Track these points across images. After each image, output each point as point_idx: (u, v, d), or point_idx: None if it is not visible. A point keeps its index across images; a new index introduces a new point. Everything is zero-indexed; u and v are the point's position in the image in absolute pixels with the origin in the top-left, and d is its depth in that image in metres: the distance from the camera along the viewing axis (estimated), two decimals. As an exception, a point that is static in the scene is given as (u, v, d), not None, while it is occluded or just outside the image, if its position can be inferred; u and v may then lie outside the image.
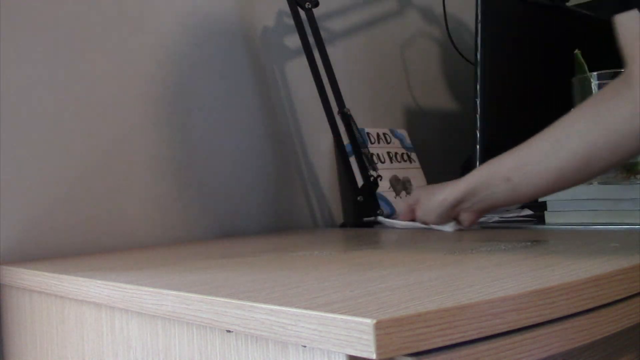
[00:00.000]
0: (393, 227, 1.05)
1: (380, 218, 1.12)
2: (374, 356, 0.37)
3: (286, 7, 1.18)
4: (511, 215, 1.05)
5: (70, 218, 0.95)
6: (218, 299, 0.49)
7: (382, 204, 1.20)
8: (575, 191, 0.92)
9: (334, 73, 1.17)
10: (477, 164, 1.16)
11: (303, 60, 1.18)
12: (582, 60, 1.07)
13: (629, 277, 0.52)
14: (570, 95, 1.13)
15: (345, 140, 1.20)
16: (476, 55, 1.18)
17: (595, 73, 1.04)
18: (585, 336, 0.48)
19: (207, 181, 1.11)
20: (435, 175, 1.43)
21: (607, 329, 0.50)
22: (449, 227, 0.92)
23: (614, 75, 1.01)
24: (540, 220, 1.02)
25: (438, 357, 0.39)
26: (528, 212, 1.07)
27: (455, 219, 0.92)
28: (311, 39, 1.17)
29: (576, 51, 1.07)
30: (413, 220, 1.00)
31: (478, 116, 1.16)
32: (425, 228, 0.96)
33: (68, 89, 0.96)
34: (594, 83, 1.03)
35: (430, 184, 1.00)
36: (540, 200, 0.96)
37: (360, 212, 1.16)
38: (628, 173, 0.99)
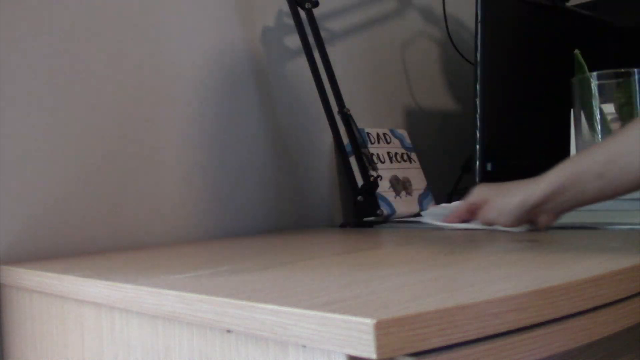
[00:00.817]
0: (440, 229, 0.97)
1: (425, 218, 1.03)
2: (374, 356, 0.37)
3: (286, 7, 1.18)
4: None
5: (71, 218, 0.95)
6: (218, 299, 0.49)
7: (382, 204, 1.20)
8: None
9: (334, 73, 1.18)
10: (477, 164, 1.16)
11: (303, 60, 1.18)
12: (582, 60, 1.07)
13: (629, 277, 0.52)
14: (570, 95, 1.13)
15: (345, 140, 1.20)
16: (476, 55, 1.18)
17: (595, 73, 1.04)
18: (585, 336, 0.48)
19: (207, 181, 1.11)
20: (436, 175, 1.43)
21: (607, 329, 0.50)
22: (521, 228, 0.87)
23: (614, 76, 1.01)
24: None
25: (438, 357, 0.39)
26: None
27: (531, 220, 0.86)
28: (311, 39, 1.17)
29: (576, 51, 1.07)
30: (465, 221, 0.95)
31: (478, 116, 1.16)
32: (487, 229, 0.90)
33: (69, 89, 0.96)
34: (594, 83, 1.03)
35: (492, 183, 0.93)
36: None
37: (360, 212, 1.16)
38: None
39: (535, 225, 0.86)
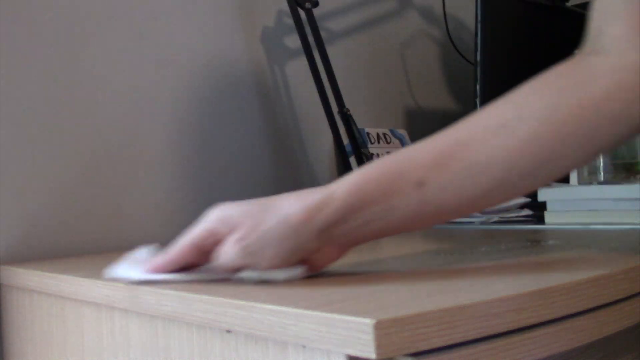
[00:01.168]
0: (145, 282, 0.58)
1: (118, 273, 0.61)
2: (373, 356, 0.37)
3: (286, 7, 1.18)
4: (511, 215, 1.04)
5: (71, 218, 0.95)
6: (218, 299, 0.49)
7: (382, 204, 1.19)
8: (575, 191, 0.92)
9: (334, 73, 1.17)
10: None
11: (303, 60, 1.18)
12: None
13: (629, 277, 0.52)
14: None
15: (345, 140, 1.20)
16: (476, 55, 1.18)
17: None
18: (585, 336, 0.48)
19: (207, 181, 1.11)
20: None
21: (607, 329, 0.50)
22: (288, 273, 0.53)
23: None
24: (540, 220, 1.02)
25: (438, 357, 0.39)
26: (528, 212, 1.06)
27: (306, 258, 0.54)
28: (311, 39, 1.17)
29: (576, 52, 1.07)
30: (187, 268, 0.57)
31: (478, 116, 1.16)
32: (223, 279, 0.56)
33: (69, 89, 0.96)
34: None
35: (228, 201, 0.57)
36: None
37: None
38: (627, 173, 0.99)
39: (313, 265, 0.55)
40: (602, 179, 0.94)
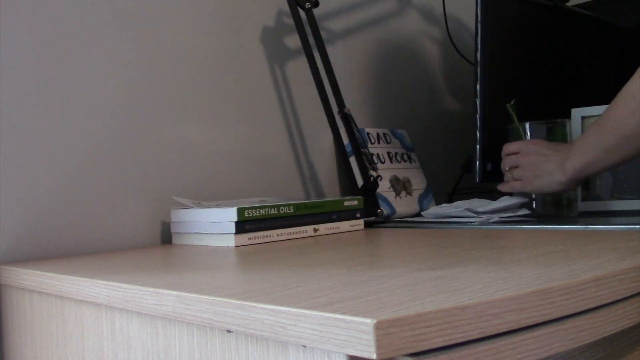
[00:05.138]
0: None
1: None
2: (374, 356, 0.37)
3: (286, 7, 1.18)
4: (511, 214, 1.05)
5: (70, 218, 0.95)
6: (218, 299, 0.49)
7: (382, 204, 1.20)
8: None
9: (334, 73, 1.18)
10: (477, 164, 1.16)
11: (303, 60, 1.18)
12: (512, 111, 1.13)
13: (629, 277, 0.52)
14: (570, 95, 1.13)
15: (345, 140, 1.20)
16: (476, 55, 1.18)
17: (526, 123, 1.11)
18: (586, 336, 0.48)
19: (207, 181, 1.11)
20: (436, 175, 1.43)
21: (607, 329, 0.50)
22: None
23: (544, 124, 1.09)
24: (540, 220, 1.02)
25: (438, 357, 0.39)
26: (526, 211, 1.07)
27: None
28: (311, 39, 1.17)
29: (508, 105, 1.12)
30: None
31: (478, 116, 1.16)
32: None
33: (69, 90, 0.96)
34: (526, 129, 1.11)
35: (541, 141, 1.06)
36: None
37: (360, 212, 1.16)
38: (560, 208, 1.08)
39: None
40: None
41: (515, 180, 1.06)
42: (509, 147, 1.08)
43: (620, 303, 0.51)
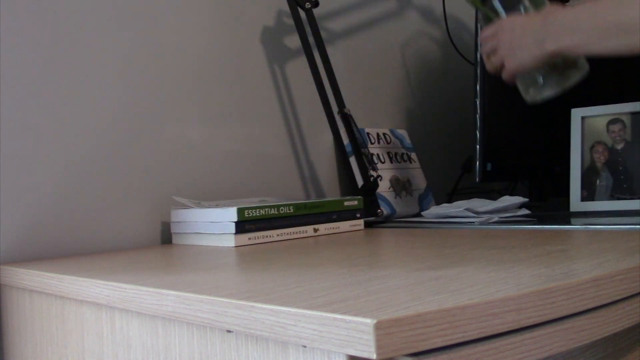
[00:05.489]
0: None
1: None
2: (374, 356, 0.37)
3: (286, 7, 1.18)
4: (511, 214, 1.05)
5: (70, 218, 0.95)
6: (218, 299, 0.49)
7: (382, 204, 1.20)
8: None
9: (334, 73, 1.18)
10: (477, 164, 1.16)
11: (303, 60, 1.18)
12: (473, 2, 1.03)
13: (629, 277, 0.52)
14: (569, 95, 1.12)
15: (345, 140, 1.20)
16: (476, 55, 1.18)
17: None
18: (585, 336, 0.48)
19: (207, 182, 1.11)
20: (436, 175, 1.43)
21: (607, 329, 0.50)
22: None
23: None
24: (540, 220, 1.02)
25: (438, 357, 0.39)
26: (526, 211, 1.07)
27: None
28: (311, 39, 1.17)
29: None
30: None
31: (478, 116, 1.16)
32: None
33: (69, 90, 0.96)
34: (497, 5, 0.99)
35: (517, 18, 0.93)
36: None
37: (360, 212, 1.16)
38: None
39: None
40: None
41: (499, 67, 0.96)
42: (483, 33, 0.97)
43: (620, 303, 0.51)
